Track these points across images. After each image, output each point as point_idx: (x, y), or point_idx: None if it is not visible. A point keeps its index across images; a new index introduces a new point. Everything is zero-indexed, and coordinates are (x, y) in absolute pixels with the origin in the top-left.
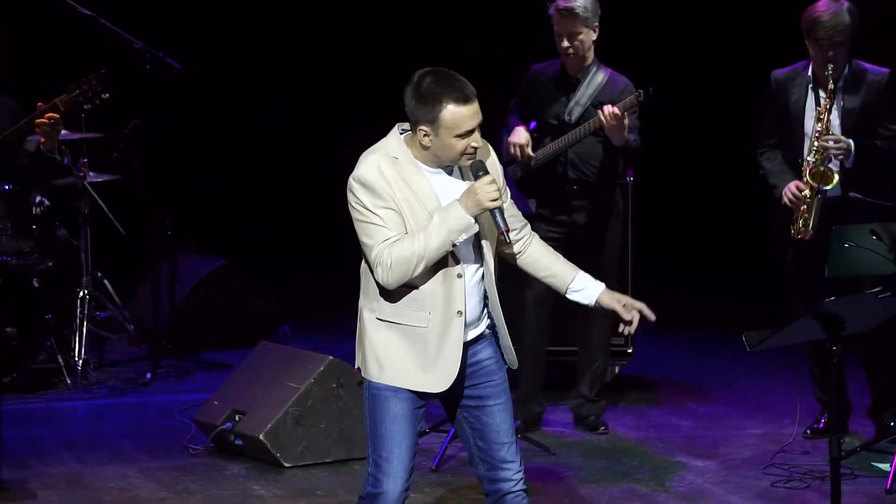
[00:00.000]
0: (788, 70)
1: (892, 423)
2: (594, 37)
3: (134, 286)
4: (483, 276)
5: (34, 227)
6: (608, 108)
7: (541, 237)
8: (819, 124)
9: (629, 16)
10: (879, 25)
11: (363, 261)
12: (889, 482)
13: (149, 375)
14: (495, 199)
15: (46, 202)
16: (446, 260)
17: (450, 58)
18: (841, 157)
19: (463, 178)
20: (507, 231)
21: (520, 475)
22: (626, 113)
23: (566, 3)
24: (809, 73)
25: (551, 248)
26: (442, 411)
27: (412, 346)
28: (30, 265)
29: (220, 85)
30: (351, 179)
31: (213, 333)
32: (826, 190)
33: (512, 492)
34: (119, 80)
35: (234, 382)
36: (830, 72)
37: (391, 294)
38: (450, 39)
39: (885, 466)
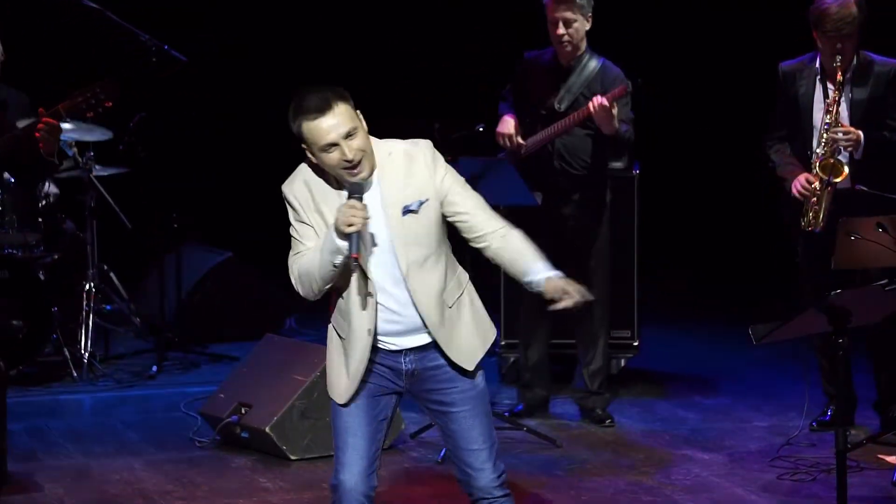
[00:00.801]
0: (796, 62)
1: None
2: (588, 26)
3: (140, 279)
4: (414, 292)
5: (40, 220)
6: (597, 99)
7: (531, 228)
8: (828, 116)
9: (637, 10)
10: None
11: None
12: (895, 475)
13: (155, 368)
14: (351, 225)
15: (55, 190)
16: (358, 276)
17: (451, 57)
18: (850, 148)
19: (381, 194)
20: (356, 259)
21: (495, 482)
22: (614, 102)
23: None
24: (817, 65)
25: (527, 246)
26: None
27: (338, 353)
28: (36, 258)
29: (221, 84)
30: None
31: (218, 326)
32: (836, 182)
33: (486, 498)
34: (124, 78)
35: (240, 375)
36: (838, 63)
37: (332, 302)
38: (451, 38)
39: (891, 459)
